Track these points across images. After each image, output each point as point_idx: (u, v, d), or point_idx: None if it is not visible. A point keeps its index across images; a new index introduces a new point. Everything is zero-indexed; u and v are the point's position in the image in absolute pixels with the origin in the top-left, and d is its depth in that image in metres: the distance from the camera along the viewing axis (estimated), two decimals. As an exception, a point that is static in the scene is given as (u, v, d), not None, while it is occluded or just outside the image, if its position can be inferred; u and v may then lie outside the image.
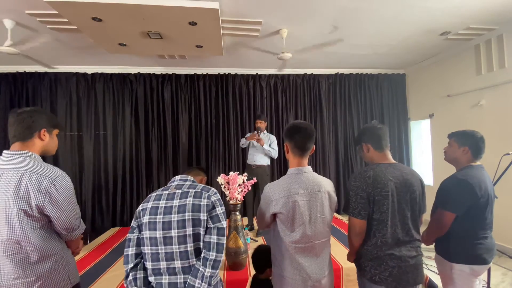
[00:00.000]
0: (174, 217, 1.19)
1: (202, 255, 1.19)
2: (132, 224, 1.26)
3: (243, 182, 2.49)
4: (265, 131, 3.69)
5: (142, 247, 1.21)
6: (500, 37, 3.42)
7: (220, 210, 1.26)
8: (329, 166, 4.85)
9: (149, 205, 1.23)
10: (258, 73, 4.76)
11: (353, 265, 1.52)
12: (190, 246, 1.18)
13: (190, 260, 1.18)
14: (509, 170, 2.27)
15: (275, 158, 3.71)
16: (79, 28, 2.83)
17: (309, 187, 1.31)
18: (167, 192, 1.27)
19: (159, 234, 1.17)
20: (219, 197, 1.30)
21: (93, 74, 4.37)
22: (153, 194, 1.28)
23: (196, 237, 1.19)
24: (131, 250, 1.21)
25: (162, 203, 1.22)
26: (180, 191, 1.26)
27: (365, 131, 1.52)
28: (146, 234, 1.19)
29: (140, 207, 1.25)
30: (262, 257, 1.64)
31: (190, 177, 1.36)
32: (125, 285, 1.20)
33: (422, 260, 1.40)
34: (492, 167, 2.33)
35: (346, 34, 3.38)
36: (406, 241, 1.35)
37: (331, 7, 2.71)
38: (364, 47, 3.89)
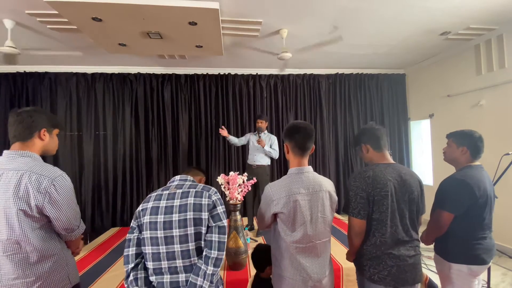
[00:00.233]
0: (176, 217, 1.19)
1: (204, 253, 1.20)
2: (131, 224, 1.26)
3: (243, 182, 2.49)
4: (266, 131, 3.69)
5: (142, 247, 1.21)
6: (500, 37, 3.42)
7: (220, 209, 1.27)
8: (329, 166, 4.85)
9: (150, 205, 1.23)
10: (258, 73, 4.76)
11: (353, 265, 1.52)
12: (191, 245, 1.19)
13: (192, 259, 1.19)
14: (509, 170, 2.27)
15: (276, 158, 3.71)
16: (79, 28, 2.84)
17: (310, 186, 1.31)
18: (167, 192, 1.27)
19: (160, 233, 1.18)
20: (219, 196, 1.31)
21: (93, 74, 4.37)
22: (153, 194, 1.28)
23: (197, 236, 1.20)
24: (131, 250, 1.21)
25: (163, 203, 1.22)
26: (180, 190, 1.26)
27: (364, 132, 1.54)
28: (146, 234, 1.19)
29: (140, 207, 1.25)
30: (262, 255, 1.64)
31: (190, 177, 1.37)
32: (125, 285, 1.19)
33: (420, 260, 1.41)
34: (492, 167, 2.33)
35: (346, 34, 3.38)
36: (405, 241, 1.36)
37: (331, 7, 2.72)
38: (364, 47, 3.89)
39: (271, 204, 1.31)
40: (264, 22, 2.98)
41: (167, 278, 1.18)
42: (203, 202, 1.23)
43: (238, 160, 4.65)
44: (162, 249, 1.18)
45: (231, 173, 2.46)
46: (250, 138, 3.72)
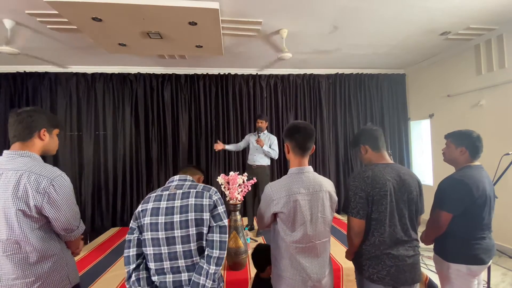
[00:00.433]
0: (177, 218, 1.19)
1: (206, 253, 1.21)
2: (131, 225, 1.25)
3: (243, 182, 2.49)
4: (266, 131, 3.68)
5: (144, 248, 1.21)
6: (500, 37, 3.42)
7: (221, 208, 1.28)
8: (329, 166, 4.85)
9: (150, 206, 1.23)
10: (258, 73, 4.76)
11: (353, 265, 1.52)
12: (193, 246, 1.20)
13: (194, 259, 1.21)
14: (509, 170, 2.27)
15: (276, 159, 3.71)
16: (79, 28, 2.83)
17: (310, 186, 1.31)
18: (167, 192, 1.26)
19: (161, 234, 1.18)
20: (220, 196, 1.32)
21: (93, 74, 4.37)
22: (152, 195, 1.27)
23: (199, 236, 1.21)
24: (132, 251, 1.21)
25: (163, 204, 1.22)
26: (180, 191, 1.26)
27: (362, 133, 1.56)
28: (147, 235, 1.19)
29: (139, 208, 1.24)
30: (262, 255, 1.64)
31: (189, 177, 1.36)
32: (127, 286, 1.19)
33: (419, 260, 1.41)
34: (492, 167, 2.33)
35: (346, 34, 3.38)
36: (405, 240, 1.36)
37: (331, 6, 2.71)
38: (364, 47, 3.89)
39: (271, 203, 1.31)
40: (264, 22, 2.98)
41: (169, 277, 1.19)
42: (204, 203, 1.24)
43: (238, 160, 4.65)
44: (164, 249, 1.18)
45: (231, 173, 2.46)
46: (250, 138, 3.72)
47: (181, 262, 1.19)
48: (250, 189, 2.57)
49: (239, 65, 4.55)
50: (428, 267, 2.89)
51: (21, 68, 4.18)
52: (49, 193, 1.16)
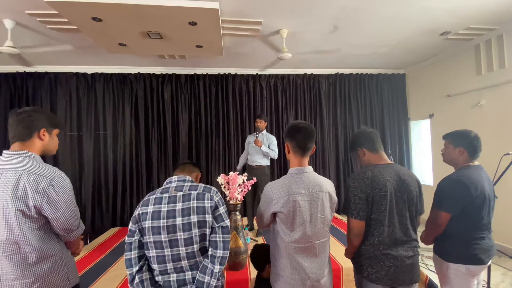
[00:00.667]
0: (179, 220, 1.20)
1: (210, 253, 1.23)
2: (130, 227, 1.24)
3: (243, 182, 2.49)
4: (264, 131, 3.68)
5: (146, 251, 1.22)
6: (500, 37, 3.42)
7: (222, 209, 1.29)
8: (329, 166, 4.85)
9: (150, 209, 1.21)
10: (258, 73, 4.76)
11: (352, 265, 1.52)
12: (196, 247, 1.22)
13: (198, 259, 1.23)
14: (509, 170, 2.27)
15: (275, 159, 3.70)
16: (79, 28, 2.84)
17: (310, 187, 1.31)
18: (167, 195, 1.25)
19: (164, 237, 1.18)
20: (220, 196, 1.33)
21: (93, 74, 4.37)
22: (152, 197, 1.25)
23: (202, 238, 1.23)
24: (133, 254, 1.21)
25: (164, 207, 1.21)
26: (181, 193, 1.25)
27: (358, 136, 1.56)
28: (149, 238, 1.19)
29: (139, 211, 1.23)
30: (260, 255, 1.65)
31: (188, 177, 1.35)
32: None
33: (419, 260, 1.41)
34: (492, 167, 2.33)
35: (346, 34, 3.38)
36: (404, 241, 1.36)
37: (331, 6, 2.71)
38: (364, 47, 3.89)
39: (270, 203, 1.31)
40: (264, 22, 2.98)
41: (173, 277, 1.21)
42: (206, 205, 1.24)
43: (238, 160, 4.64)
44: (167, 252, 1.19)
45: (231, 173, 2.46)
46: (249, 139, 3.72)
47: (184, 263, 1.21)
48: (250, 189, 2.57)
49: (239, 65, 4.55)
50: (428, 267, 2.89)
51: (21, 68, 4.18)
52: (48, 193, 1.16)
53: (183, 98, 4.59)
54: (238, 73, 4.71)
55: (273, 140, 3.63)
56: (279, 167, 4.76)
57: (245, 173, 2.57)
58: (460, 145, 1.62)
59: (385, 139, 4.97)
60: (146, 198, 1.27)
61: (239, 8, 2.68)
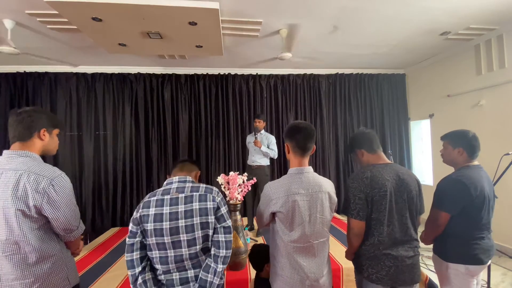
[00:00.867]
0: (182, 222, 1.20)
1: (212, 252, 1.25)
2: (131, 229, 1.23)
3: (243, 182, 2.49)
4: (263, 131, 3.67)
5: (149, 252, 1.23)
6: (500, 37, 3.42)
7: (224, 209, 1.30)
8: (329, 166, 4.85)
9: (152, 211, 1.21)
10: (258, 73, 4.76)
11: (353, 265, 1.52)
12: (199, 247, 1.23)
13: (200, 258, 1.25)
14: (509, 170, 2.27)
15: (275, 158, 3.70)
16: (79, 28, 2.84)
17: (309, 187, 1.31)
18: (168, 196, 1.25)
19: (167, 239, 1.19)
20: (222, 196, 1.34)
21: (93, 74, 4.37)
22: (153, 199, 1.25)
23: (205, 238, 1.24)
24: (135, 255, 1.21)
25: (166, 209, 1.21)
26: (183, 195, 1.25)
27: (356, 137, 1.57)
28: (152, 240, 1.20)
29: (140, 213, 1.22)
30: (258, 255, 1.65)
31: (188, 177, 1.34)
32: None
33: (419, 260, 1.41)
34: (492, 167, 2.33)
35: (346, 34, 3.38)
36: (404, 240, 1.36)
37: (331, 6, 2.71)
38: (364, 47, 3.89)
39: (269, 203, 1.31)
40: (264, 22, 2.98)
41: (176, 275, 1.23)
42: (208, 206, 1.25)
43: (238, 160, 4.65)
44: (170, 253, 1.20)
45: (231, 173, 2.46)
46: (248, 139, 3.72)
47: (187, 263, 1.23)
48: (250, 189, 2.57)
49: (239, 65, 4.55)
50: (428, 267, 2.89)
51: (21, 68, 4.18)
52: (48, 193, 1.16)
53: (183, 98, 4.59)
54: (238, 73, 4.71)
55: (272, 139, 3.63)
56: (279, 167, 4.76)
57: (245, 173, 2.57)
58: (459, 145, 1.62)
59: (385, 139, 4.98)
60: (146, 199, 1.26)
61: (239, 8, 2.68)
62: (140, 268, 1.19)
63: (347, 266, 2.39)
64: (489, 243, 1.56)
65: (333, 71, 4.94)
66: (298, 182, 1.31)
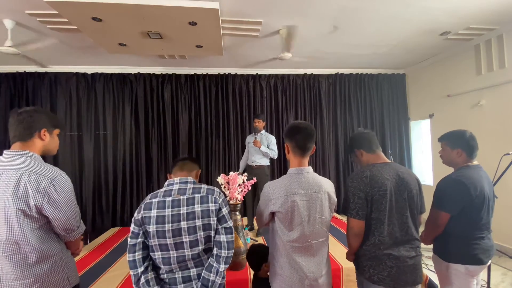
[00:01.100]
0: (184, 224, 1.21)
1: (215, 253, 1.26)
2: (132, 230, 1.23)
3: (243, 182, 2.49)
4: (263, 131, 3.68)
5: (151, 253, 1.23)
6: (500, 37, 3.42)
7: (225, 210, 1.31)
8: (329, 166, 4.85)
9: (153, 213, 1.21)
10: (258, 73, 4.76)
11: (353, 265, 1.52)
12: (201, 248, 1.25)
13: (202, 258, 1.27)
14: (509, 170, 2.27)
15: (275, 158, 3.71)
16: (79, 28, 2.84)
17: (309, 187, 1.31)
18: (170, 198, 1.25)
19: (169, 241, 1.20)
20: (223, 197, 1.34)
21: (93, 74, 4.37)
22: (154, 201, 1.24)
23: (207, 239, 1.26)
24: (137, 255, 1.21)
25: (168, 211, 1.22)
26: (185, 197, 1.25)
27: (354, 138, 1.57)
28: (154, 241, 1.21)
29: (141, 214, 1.22)
30: (256, 255, 1.65)
31: (189, 178, 1.34)
32: None
33: (421, 261, 1.40)
34: (492, 167, 2.33)
35: (346, 34, 3.38)
36: (405, 240, 1.36)
37: (331, 6, 2.71)
38: (364, 47, 3.89)
39: (269, 203, 1.31)
40: (264, 22, 2.98)
41: (178, 274, 1.24)
42: (210, 208, 1.25)
43: (238, 160, 4.62)
44: (172, 253, 1.21)
45: (231, 173, 2.46)
46: (248, 140, 3.72)
47: (190, 262, 1.24)
48: (250, 189, 2.57)
49: (239, 65, 4.55)
50: (428, 267, 2.89)
51: (21, 68, 4.18)
52: (49, 193, 1.16)
53: (183, 98, 4.59)
54: (238, 73, 4.72)
55: (272, 139, 3.62)
56: (279, 167, 4.76)
57: (245, 173, 2.57)
58: (458, 147, 1.62)
59: (385, 139, 4.98)
60: (148, 200, 1.26)
61: (239, 8, 2.68)
62: (142, 268, 1.20)
63: (347, 266, 2.39)
64: (489, 243, 1.56)
65: (333, 71, 4.94)
66: (297, 182, 1.31)
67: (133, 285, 1.22)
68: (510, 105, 3.33)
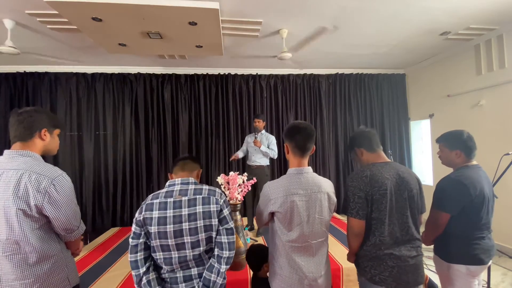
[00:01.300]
0: (186, 225, 1.22)
1: (216, 253, 1.27)
2: (134, 230, 1.24)
3: (243, 182, 2.50)
4: (263, 131, 3.68)
5: (153, 253, 1.24)
6: (500, 37, 3.42)
7: (227, 211, 1.31)
8: (329, 166, 4.85)
9: (155, 214, 1.22)
10: (258, 73, 4.76)
11: (353, 265, 1.52)
12: (202, 249, 1.25)
13: (203, 258, 1.27)
14: (509, 170, 2.27)
15: (275, 158, 3.71)
16: (79, 28, 2.84)
17: (308, 187, 1.31)
18: (171, 199, 1.25)
19: (171, 241, 1.21)
20: (225, 198, 1.34)
21: (93, 74, 4.37)
22: (156, 202, 1.24)
23: (208, 240, 1.26)
24: (139, 256, 1.22)
25: (170, 212, 1.22)
26: (186, 198, 1.26)
27: (355, 136, 1.56)
28: (156, 242, 1.21)
29: (143, 215, 1.22)
30: (257, 255, 1.65)
31: (191, 179, 1.34)
32: None
33: (422, 260, 1.40)
34: (492, 167, 2.33)
35: (346, 34, 3.38)
36: (406, 240, 1.35)
37: (331, 7, 2.71)
38: (364, 47, 3.89)
39: (268, 203, 1.31)
40: (264, 22, 2.98)
41: (180, 273, 1.25)
42: (211, 209, 1.26)
43: (238, 160, 4.64)
44: (174, 254, 1.22)
45: (231, 173, 2.46)
46: (248, 139, 3.72)
47: (191, 263, 1.25)
48: (250, 189, 2.57)
49: (239, 65, 4.55)
50: (428, 267, 2.89)
51: (21, 68, 4.18)
52: (49, 193, 1.16)
53: (183, 98, 4.59)
54: (238, 73, 4.71)
55: (273, 139, 3.63)
56: (279, 167, 4.76)
57: (245, 173, 2.57)
58: (456, 148, 1.62)
59: (385, 139, 4.98)
60: (149, 201, 1.26)
61: (239, 8, 2.68)
62: (144, 269, 1.21)
63: (347, 266, 2.39)
64: (490, 243, 1.56)
65: (333, 71, 4.94)
66: (297, 183, 1.31)
67: (135, 285, 1.22)
68: (510, 105, 3.33)
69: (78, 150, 4.32)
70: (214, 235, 1.27)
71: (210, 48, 3.44)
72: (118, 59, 4.02)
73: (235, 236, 1.31)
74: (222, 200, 1.30)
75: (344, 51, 4.02)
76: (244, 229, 2.60)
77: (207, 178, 4.58)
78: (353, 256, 1.48)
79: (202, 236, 1.23)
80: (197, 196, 1.26)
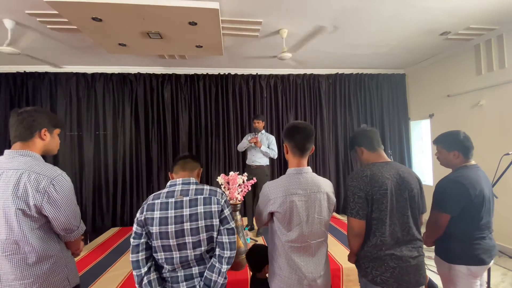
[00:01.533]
0: (187, 225, 1.22)
1: (217, 253, 1.28)
2: (135, 230, 1.24)
3: (243, 182, 2.50)
4: (263, 131, 3.68)
5: (154, 254, 1.24)
6: (500, 37, 3.42)
7: (227, 211, 1.31)
8: (329, 166, 4.85)
9: (156, 215, 1.22)
10: (258, 73, 4.76)
11: (353, 265, 1.51)
12: (203, 249, 1.25)
13: (205, 258, 1.28)
14: (509, 170, 2.27)
15: (275, 158, 3.71)
16: (79, 28, 2.83)
17: (307, 187, 1.30)
18: (173, 200, 1.25)
19: (172, 242, 1.21)
20: (226, 198, 1.34)
21: (93, 74, 4.37)
22: (157, 202, 1.24)
23: (209, 240, 1.27)
24: (141, 256, 1.22)
25: (171, 213, 1.22)
26: (187, 198, 1.26)
27: (356, 135, 1.56)
28: (157, 242, 1.21)
29: (144, 215, 1.22)
30: (257, 256, 1.65)
31: (192, 179, 1.33)
32: None
33: (424, 261, 1.39)
34: (492, 167, 2.33)
35: (346, 34, 3.38)
36: (407, 240, 1.35)
37: (331, 7, 2.71)
38: (364, 47, 3.89)
39: (268, 203, 1.31)
40: (264, 22, 2.98)
41: (181, 272, 1.25)
42: (213, 209, 1.26)
43: (238, 160, 4.65)
44: (175, 254, 1.22)
45: (231, 173, 2.46)
46: (247, 138, 3.72)
47: (192, 262, 1.25)
48: (250, 189, 2.57)
49: (239, 65, 4.55)
50: (428, 267, 2.89)
51: (21, 68, 4.18)
52: (49, 193, 1.16)
53: (183, 98, 4.59)
54: (238, 73, 4.71)
55: (273, 139, 3.64)
56: (279, 167, 4.76)
57: (245, 173, 2.57)
58: (454, 149, 1.62)
59: (385, 139, 4.98)
60: (150, 201, 1.26)
61: (239, 8, 2.68)
62: (146, 269, 1.21)
63: (347, 266, 2.39)
64: (491, 243, 1.55)
65: (333, 71, 4.93)
66: (296, 183, 1.31)
67: (136, 285, 1.22)
68: (510, 105, 3.33)
69: (78, 150, 4.32)
70: (215, 235, 1.27)
71: (210, 48, 3.44)
72: (118, 59, 4.02)
73: (236, 236, 1.32)
74: (223, 200, 1.30)
75: (344, 51, 4.02)
76: (244, 229, 2.60)
77: (207, 178, 4.58)
78: (353, 257, 1.48)
79: (203, 236, 1.24)
80: (198, 196, 1.27)
